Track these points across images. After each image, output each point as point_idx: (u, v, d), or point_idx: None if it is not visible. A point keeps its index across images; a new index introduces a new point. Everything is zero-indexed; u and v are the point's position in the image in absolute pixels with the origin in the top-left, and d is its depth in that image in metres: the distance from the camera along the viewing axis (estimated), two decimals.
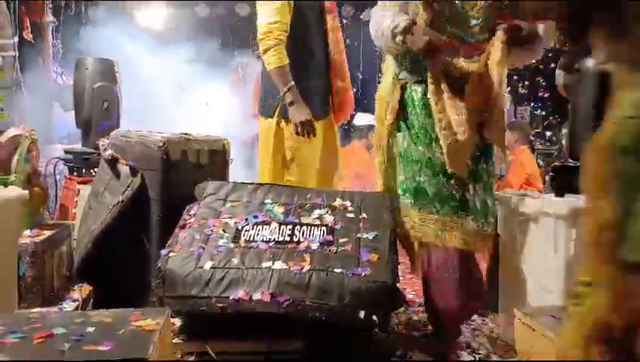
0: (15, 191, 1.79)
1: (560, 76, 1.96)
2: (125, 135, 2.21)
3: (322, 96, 2.51)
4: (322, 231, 1.91)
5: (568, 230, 1.62)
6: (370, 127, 4.10)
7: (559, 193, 1.87)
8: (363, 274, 1.72)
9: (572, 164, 1.82)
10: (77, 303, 2.17)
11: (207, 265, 1.78)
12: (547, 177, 1.97)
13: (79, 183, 2.75)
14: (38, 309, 1.96)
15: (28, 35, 4.86)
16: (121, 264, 2.08)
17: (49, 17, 4.75)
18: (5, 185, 2.03)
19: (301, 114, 2.31)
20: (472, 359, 1.94)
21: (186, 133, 2.30)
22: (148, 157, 2.13)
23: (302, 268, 1.74)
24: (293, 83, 2.31)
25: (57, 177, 3.15)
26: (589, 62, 1.73)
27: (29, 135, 2.15)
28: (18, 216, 1.79)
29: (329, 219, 1.97)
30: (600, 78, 1.69)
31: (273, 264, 1.77)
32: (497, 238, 2.07)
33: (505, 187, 4.35)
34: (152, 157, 2.12)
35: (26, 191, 1.85)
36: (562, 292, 1.63)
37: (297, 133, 2.34)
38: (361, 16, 6.61)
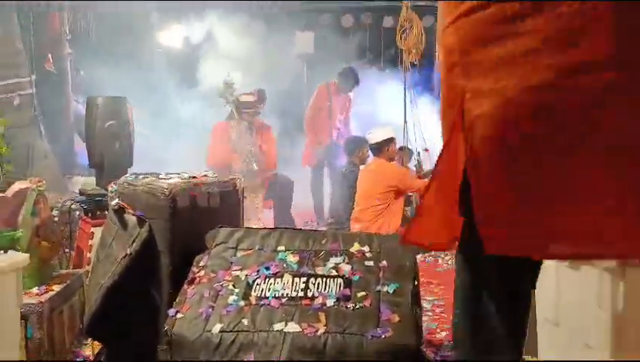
0: (14, 258, 1.73)
1: None
2: (132, 182, 2.13)
3: None
4: (339, 284, 1.77)
5: (616, 282, 1.43)
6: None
7: None
8: (383, 336, 1.57)
9: None
10: None
11: (216, 328, 1.67)
12: None
13: (93, 226, 2.69)
14: None
15: (50, 67, 4.93)
16: (131, 320, 1.99)
17: (67, 49, 4.78)
18: (12, 241, 1.97)
19: None
20: None
21: (194, 176, 2.20)
22: (155, 206, 2.04)
23: (316, 331, 1.61)
24: None
25: (75, 216, 3.11)
26: None
27: (35, 187, 2.09)
28: (17, 283, 1.72)
29: (346, 268, 1.83)
30: None
31: (286, 326, 1.64)
32: None
33: None
34: (159, 205, 2.03)
35: (27, 256, 1.79)
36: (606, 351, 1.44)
37: None
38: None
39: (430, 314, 2.74)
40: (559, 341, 1.71)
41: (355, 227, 4.13)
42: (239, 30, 6.11)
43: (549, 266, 1.73)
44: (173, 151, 5.77)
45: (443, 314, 2.71)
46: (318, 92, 5.46)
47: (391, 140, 4.16)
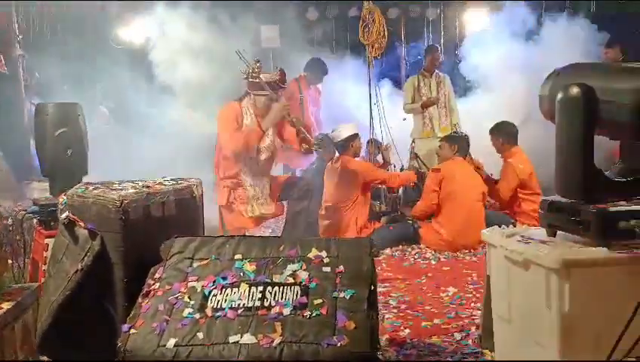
0: None
1: (544, 99, 1.78)
2: (81, 194, 2.06)
3: None
4: (296, 292, 1.75)
5: (562, 283, 1.46)
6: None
7: (551, 232, 1.70)
8: (339, 343, 1.57)
9: (564, 201, 1.64)
10: None
11: (171, 342, 1.63)
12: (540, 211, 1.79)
13: (47, 237, 2.60)
14: None
15: (3, 68, 4.73)
16: (85, 335, 1.94)
17: (18, 50, 4.60)
18: None
19: None
20: None
21: (148, 186, 2.14)
22: (106, 218, 1.98)
23: (272, 341, 1.59)
24: None
25: (30, 226, 3.01)
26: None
27: None
28: None
29: (303, 275, 1.81)
30: (588, 105, 1.52)
31: (241, 337, 1.62)
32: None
33: (497, 194, 4.17)
34: (110, 217, 1.97)
35: None
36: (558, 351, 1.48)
37: None
38: None
39: (395, 311, 2.76)
40: (512, 338, 1.74)
41: (324, 223, 4.13)
42: (201, 25, 5.97)
43: (502, 265, 1.76)
44: (137, 151, 5.66)
45: (408, 311, 2.74)
46: (287, 87, 5.40)
47: (355, 136, 4.16)
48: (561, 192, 1.64)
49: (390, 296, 2.98)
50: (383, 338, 2.35)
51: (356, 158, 4.24)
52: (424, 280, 3.28)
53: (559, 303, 1.47)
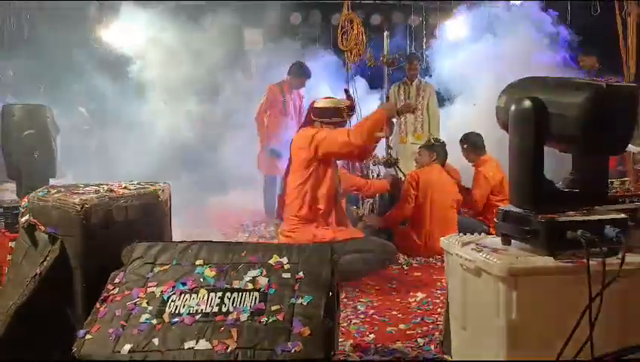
0: None
1: (500, 111, 1.82)
2: (42, 197, 2.04)
3: None
4: (254, 298, 1.76)
5: (509, 292, 1.49)
6: None
7: (505, 240, 1.74)
8: (293, 350, 1.58)
9: (516, 211, 1.68)
10: None
11: (125, 348, 1.63)
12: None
13: (11, 240, 2.58)
14: None
15: None
16: (43, 341, 1.92)
17: None
18: None
19: None
20: None
21: (111, 190, 2.14)
22: (67, 222, 1.97)
23: (227, 347, 1.60)
24: None
25: None
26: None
27: None
28: None
29: (263, 281, 1.82)
30: (538, 118, 1.55)
31: (197, 343, 1.62)
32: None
33: (471, 201, 4.24)
34: (71, 221, 1.96)
35: None
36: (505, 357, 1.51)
37: None
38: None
39: (363, 316, 2.78)
40: (466, 344, 1.77)
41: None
42: (182, 26, 5.96)
43: (458, 273, 1.79)
44: (117, 153, 5.61)
45: (375, 316, 2.76)
46: (269, 92, 5.39)
47: None
48: (514, 202, 1.67)
49: (360, 301, 3.00)
50: (348, 344, 2.37)
51: None
52: (394, 285, 3.31)
53: (507, 310, 1.50)
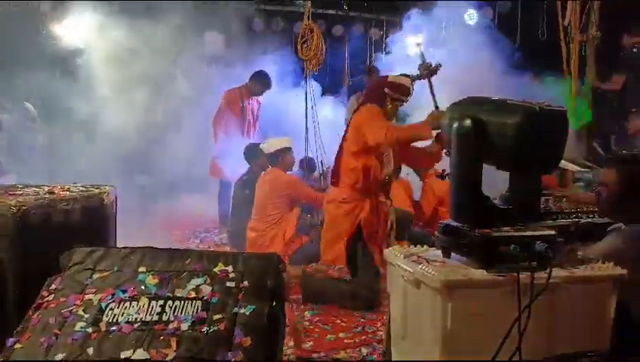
0: None
1: (443, 128, 1.89)
2: None
3: None
4: (196, 307, 1.74)
5: (445, 302, 1.54)
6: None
7: (445, 253, 1.80)
8: (233, 359, 1.57)
9: (455, 225, 1.74)
10: None
11: (58, 358, 1.57)
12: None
13: None
14: None
15: None
16: None
17: None
18: None
19: None
20: None
21: (52, 191, 2.06)
22: (2, 225, 1.89)
23: (165, 356, 1.57)
24: None
25: None
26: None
27: None
28: None
29: (206, 290, 1.80)
30: (477, 136, 1.62)
31: (134, 353, 1.58)
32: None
33: (419, 213, 4.36)
34: (6, 223, 1.88)
35: None
36: None
37: None
38: None
39: (307, 323, 2.79)
40: (406, 354, 1.82)
41: (251, 236, 4.11)
42: (138, 23, 5.82)
43: (399, 284, 1.84)
44: (65, 151, 5.40)
45: (319, 324, 2.78)
46: (227, 97, 5.35)
47: (287, 150, 4.19)
48: (453, 216, 1.74)
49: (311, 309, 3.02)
50: (289, 351, 2.38)
51: (288, 172, 4.27)
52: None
53: (442, 320, 1.55)
